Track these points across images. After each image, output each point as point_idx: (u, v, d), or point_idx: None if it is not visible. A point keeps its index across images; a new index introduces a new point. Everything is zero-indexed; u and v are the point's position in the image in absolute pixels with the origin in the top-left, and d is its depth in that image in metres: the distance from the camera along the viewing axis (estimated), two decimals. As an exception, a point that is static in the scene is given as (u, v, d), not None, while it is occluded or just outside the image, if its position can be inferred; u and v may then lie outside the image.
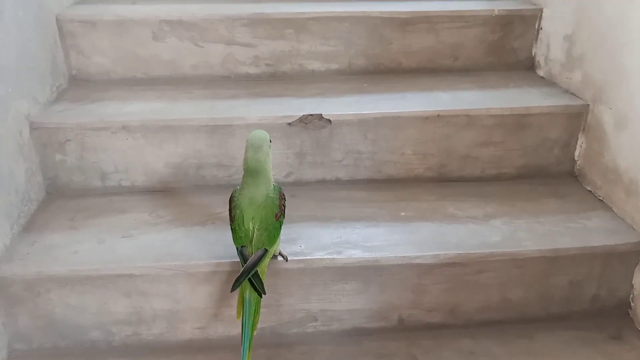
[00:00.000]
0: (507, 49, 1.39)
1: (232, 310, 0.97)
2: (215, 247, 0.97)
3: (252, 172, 0.87)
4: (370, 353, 0.98)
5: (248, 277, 0.83)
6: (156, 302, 0.95)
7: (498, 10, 1.35)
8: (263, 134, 0.88)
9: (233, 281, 0.92)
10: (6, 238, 0.95)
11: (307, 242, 0.99)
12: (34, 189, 1.08)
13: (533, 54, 1.39)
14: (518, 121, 1.18)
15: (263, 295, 0.84)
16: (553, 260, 1.00)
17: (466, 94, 1.25)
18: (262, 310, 0.91)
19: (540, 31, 1.36)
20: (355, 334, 1.01)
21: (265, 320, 0.98)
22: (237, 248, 0.87)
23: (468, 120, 1.16)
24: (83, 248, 0.97)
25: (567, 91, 1.25)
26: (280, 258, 0.94)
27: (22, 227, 1.02)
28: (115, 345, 0.97)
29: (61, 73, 1.27)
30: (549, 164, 1.22)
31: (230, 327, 0.99)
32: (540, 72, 1.37)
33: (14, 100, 1.00)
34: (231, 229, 0.88)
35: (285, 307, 0.98)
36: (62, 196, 1.14)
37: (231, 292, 0.84)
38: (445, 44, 1.38)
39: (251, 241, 0.85)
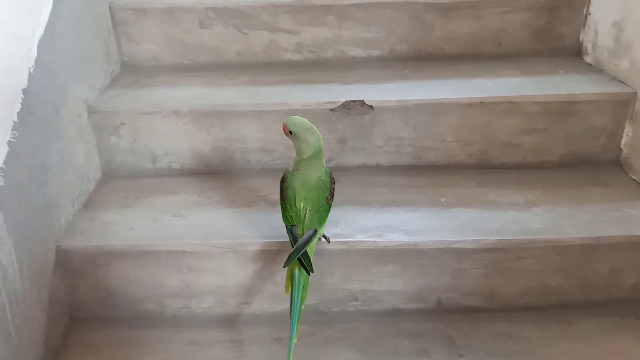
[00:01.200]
0: (553, 34, 1.37)
1: (276, 287, 1.01)
2: (262, 227, 1.02)
3: (317, 152, 0.90)
4: (408, 333, 1.01)
5: (299, 255, 0.87)
6: (205, 277, 1.00)
7: (544, -6, 1.34)
8: (301, 118, 0.91)
9: (278, 259, 0.98)
10: (68, 214, 1.02)
11: (348, 225, 1.02)
12: (92, 169, 1.15)
13: (580, 40, 1.37)
14: (563, 108, 1.17)
15: (311, 273, 0.88)
16: (595, 248, 1.00)
17: (509, 80, 1.25)
18: (304, 289, 0.94)
19: (589, 17, 1.34)
20: (394, 314, 1.04)
21: (308, 298, 1.01)
22: (286, 227, 0.91)
23: (511, 107, 1.16)
24: (138, 225, 1.03)
25: (614, 78, 1.23)
26: (322, 240, 0.97)
27: (82, 204, 1.08)
28: (167, 316, 1.03)
29: (114, 60, 1.33)
30: (594, 152, 1.21)
31: (274, 303, 1.03)
32: (588, 59, 1.35)
33: (73, 86, 1.06)
34: (282, 207, 0.92)
35: (327, 286, 1.02)
36: (116, 177, 1.20)
37: (284, 267, 0.88)
38: (488, 29, 1.37)
39: (301, 221, 0.89)
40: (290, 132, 0.90)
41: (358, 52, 1.39)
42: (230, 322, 1.03)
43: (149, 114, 1.16)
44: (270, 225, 1.02)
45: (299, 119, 0.91)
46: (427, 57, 1.39)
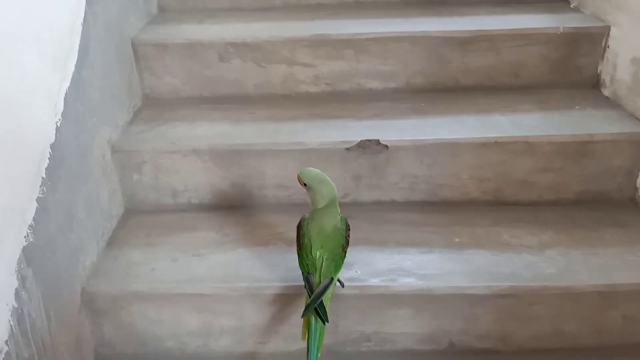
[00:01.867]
0: (571, 67, 1.37)
1: (292, 328, 1.04)
2: (278, 269, 1.04)
3: (331, 202, 0.93)
4: (420, 375, 1.03)
5: (316, 304, 0.89)
6: (223, 318, 1.04)
7: (563, 28, 1.33)
8: (315, 170, 0.94)
9: (295, 302, 1.01)
10: (94, 255, 1.06)
11: (362, 267, 1.04)
12: (115, 206, 1.19)
13: (598, 71, 1.37)
14: (580, 148, 1.17)
15: (326, 322, 0.90)
16: (608, 295, 1.01)
17: (526, 117, 1.25)
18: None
19: (607, 49, 1.33)
20: (406, 355, 1.06)
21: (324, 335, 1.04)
22: (302, 273, 0.93)
23: (527, 147, 1.17)
24: (159, 266, 1.06)
25: (632, 115, 1.23)
26: (337, 284, 0.99)
27: (105, 242, 1.13)
28: (187, 353, 1.07)
29: (136, 93, 1.37)
30: (610, 190, 1.21)
31: (290, 343, 1.06)
32: (606, 92, 1.34)
33: (98, 130, 1.10)
34: (298, 254, 0.95)
35: (340, 328, 1.05)
36: (138, 211, 1.24)
37: (302, 317, 0.91)
38: (506, 62, 1.37)
39: (317, 269, 0.92)
40: (305, 184, 0.93)
41: (375, 85, 1.40)
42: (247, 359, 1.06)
43: (170, 153, 1.19)
44: (286, 267, 1.04)
45: (313, 172, 0.93)
46: (444, 89, 1.40)
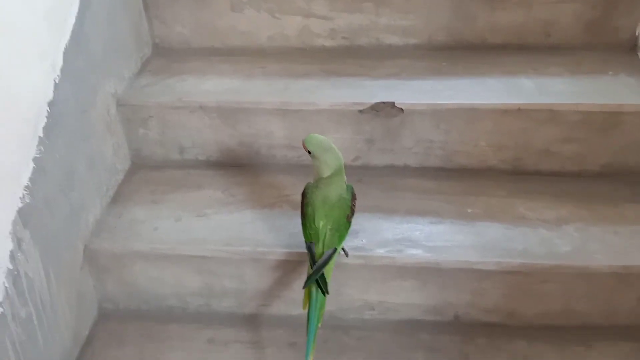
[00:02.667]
0: (608, 27, 1.27)
1: (293, 293, 1.03)
2: (282, 234, 1.02)
3: (337, 171, 0.90)
4: (423, 345, 1.02)
5: (318, 276, 0.87)
6: (225, 281, 1.03)
7: (601, -16, 1.23)
8: (321, 137, 0.90)
9: (297, 269, 0.99)
10: (97, 212, 1.05)
11: (369, 236, 1.01)
12: (120, 160, 1.17)
13: (637, 34, 1.26)
14: (608, 119, 1.10)
15: (326, 294, 0.88)
16: (624, 277, 0.97)
17: (553, 81, 1.17)
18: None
19: (648, 10, 1.23)
20: (410, 325, 1.05)
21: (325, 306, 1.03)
22: (305, 242, 0.91)
23: (551, 115, 1.10)
24: (162, 225, 1.05)
25: (669, 83, 1.14)
26: (341, 252, 0.97)
27: (110, 198, 1.11)
28: (189, 312, 1.07)
29: (145, 42, 1.32)
30: (636, 164, 1.14)
31: (291, 307, 1.05)
32: (642, 56, 1.25)
33: (101, 84, 1.07)
34: (301, 223, 0.92)
35: (344, 296, 1.03)
36: (145, 166, 1.22)
37: (303, 288, 0.89)
38: (537, 19, 1.27)
39: (320, 239, 0.89)
40: (309, 152, 0.88)
41: (394, 40, 1.33)
42: (248, 321, 1.06)
43: (177, 109, 1.16)
44: (290, 232, 1.02)
45: (318, 139, 0.89)
46: (468, 47, 1.31)
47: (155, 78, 1.24)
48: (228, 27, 1.33)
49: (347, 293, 1.03)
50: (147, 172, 1.20)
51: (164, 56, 1.33)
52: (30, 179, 0.82)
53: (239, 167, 1.21)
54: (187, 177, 1.18)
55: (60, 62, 0.89)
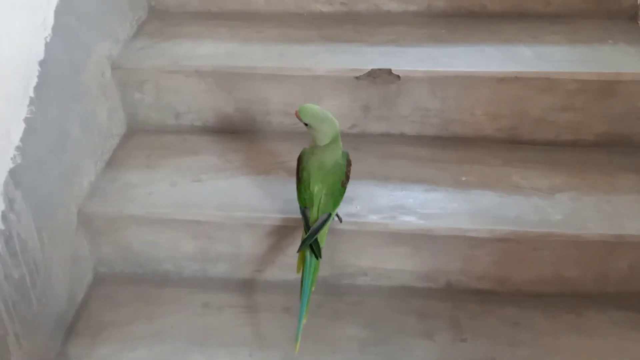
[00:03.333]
0: (609, -5, 1.25)
1: (288, 258, 1.04)
2: (277, 200, 1.02)
3: (334, 139, 0.89)
4: (414, 311, 1.03)
5: (313, 239, 0.87)
6: (220, 246, 1.04)
7: (603, -51, 1.20)
8: (315, 107, 0.89)
9: (291, 235, 0.99)
10: (91, 175, 1.05)
11: (363, 203, 1.02)
12: (116, 124, 1.16)
13: (638, 2, 1.24)
14: (606, 87, 1.09)
15: (319, 259, 0.89)
16: (616, 246, 0.97)
17: (552, 49, 1.16)
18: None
19: (652, -23, 1.21)
20: (402, 291, 1.06)
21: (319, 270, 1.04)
22: (300, 207, 0.91)
23: (549, 83, 1.09)
24: (157, 189, 1.05)
25: (669, 52, 1.13)
26: (335, 218, 0.97)
27: (105, 162, 1.11)
28: (184, 276, 1.08)
29: (141, 5, 1.30)
30: (633, 134, 1.14)
31: (286, 272, 1.06)
32: (643, 25, 1.23)
33: (95, 45, 1.05)
34: (297, 187, 0.92)
35: (337, 261, 1.04)
36: (141, 131, 1.21)
37: (297, 252, 0.90)
38: (537, -14, 1.26)
39: (314, 204, 0.89)
40: (305, 124, 0.88)
41: (393, 6, 1.31)
42: (243, 286, 1.07)
43: (172, 73, 1.15)
44: (285, 198, 1.02)
45: (313, 109, 0.88)
46: (467, 15, 1.30)
47: (150, 41, 1.22)
48: (225, -10, 1.31)
49: (340, 259, 1.04)
50: (143, 136, 1.20)
51: (160, 19, 1.31)
52: (22, 139, 0.81)
53: (235, 133, 1.20)
54: (182, 143, 1.18)
55: (51, 20, 0.88)
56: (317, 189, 0.90)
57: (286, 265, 1.04)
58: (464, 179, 1.07)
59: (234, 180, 1.07)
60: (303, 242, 0.88)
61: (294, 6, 1.32)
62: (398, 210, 1.00)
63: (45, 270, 0.89)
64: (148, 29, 1.27)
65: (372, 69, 1.10)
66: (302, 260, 0.91)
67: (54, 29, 0.88)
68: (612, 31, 1.22)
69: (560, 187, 1.05)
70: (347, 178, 0.92)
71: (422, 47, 1.18)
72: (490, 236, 0.97)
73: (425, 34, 1.23)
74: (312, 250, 0.89)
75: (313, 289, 0.91)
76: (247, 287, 1.07)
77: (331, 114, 0.90)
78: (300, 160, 0.92)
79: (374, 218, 0.99)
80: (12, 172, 0.79)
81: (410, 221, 0.98)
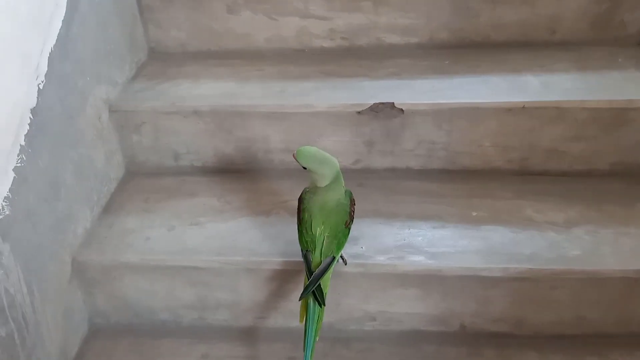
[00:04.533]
0: (615, 22, 1.22)
1: (291, 304, 0.99)
2: (278, 242, 0.98)
3: (335, 178, 0.86)
4: (427, 357, 0.97)
5: (315, 285, 0.83)
6: (219, 292, 0.99)
7: (607, -23, 1.18)
8: (312, 149, 0.86)
9: (293, 279, 0.95)
10: (86, 222, 1.01)
11: (368, 242, 0.97)
12: (114, 168, 1.13)
13: (646, 27, 1.21)
14: (617, 115, 1.05)
15: (323, 306, 0.84)
16: (638, 282, 0.91)
17: (559, 78, 1.13)
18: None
19: (657, 2, 1.18)
20: (413, 336, 1.00)
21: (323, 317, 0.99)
22: (301, 251, 0.87)
23: (558, 113, 1.05)
24: (154, 235, 1.01)
25: (680, 77, 1.09)
26: (340, 261, 0.93)
27: (102, 207, 1.08)
28: (183, 326, 1.04)
29: (140, 47, 1.29)
30: (650, 162, 1.09)
31: (289, 319, 1.01)
32: (653, 51, 1.20)
33: (92, 89, 1.03)
34: (298, 229, 0.88)
35: (343, 306, 0.99)
36: (139, 174, 1.19)
37: (299, 300, 0.85)
38: (541, 15, 1.23)
39: (317, 247, 0.85)
40: (304, 168, 0.84)
41: (395, 39, 1.29)
42: (244, 335, 1.02)
43: (170, 114, 1.12)
44: (286, 240, 0.98)
45: (310, 151, 0.85)
46: (472, 45, 1.27)
47: (149, 83, 1.21)
48: (224, 30, 1.30)
49: (346, 303, 0.98)
50: (141, 179, 1.17)
51: (160, 60, 1.30)
52: (11, 190, 0.78)
53: (235, 173, 1.17)
54: (181, 185, 1.15)
55: (44, 67, 0.86)
56: (320, 230, 0.85)
57: (289, 311, 1.00)
58: (474, 214, 1.03)
59: (233, 223, 1.04)
60: (305, 289, 0.84)
61: (294, 42, 1.30)
62: (406, 250, 0.95)
63: (36, 326, 0.85)
64: (147, 70, 1.26)
65: (374, 103, 1.07)
66: (305, 308, 0.86)
67: (47, 75, 0.87)
68: (620, 57, 1.18)
69: (576, 220, 1.00)
70: (351, 218, 0.88)
71: (426, 79, 1.15)
72: (505, 275, 0.92)
73: (428, 66, 1.21)
74: (315, 297, 0.84)
75: (317, 338, 0.85)
76: (248, 335, 1.02)
77: (330, 154, 0.86)
78: (301, 200, 0.89)
79: (380, 259, 0.94)
80: (-1, 225, 0.76)
81: (419, 261, 0.93)
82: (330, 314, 0.98)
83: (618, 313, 0.95)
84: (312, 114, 1.09)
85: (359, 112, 1.08)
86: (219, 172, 1.18)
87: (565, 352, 0.96)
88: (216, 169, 1.18)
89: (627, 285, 0.92)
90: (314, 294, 0.84)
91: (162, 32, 1.31)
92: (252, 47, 1.32)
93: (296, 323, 0.98)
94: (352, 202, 0.89)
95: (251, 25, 1.29)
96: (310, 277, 0.84)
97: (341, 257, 0.93)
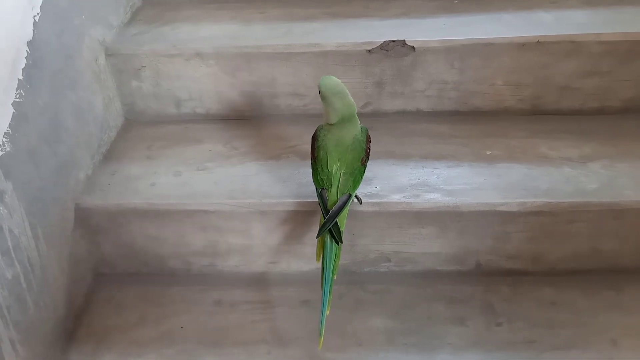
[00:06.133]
0: (627, -45, 1.18)
1: (304, 247, 0.97)
2: (289, 184, 0.95)
3: (348, 118, 0.83)
4: (443, 296, 0.95)
5: (332, 223, 0.80)
6: (230, 237, 0.96)
7: None
8: (336, 80, 0.83)
9: (307, 221, 0.92)
10: (88, 169, 0.97)
11: (383, 182, 0.95)
12: (113, 116, 1.09)
13: (658, -39, 1.17)
14: (632, 48, 1.02)
15: (340, 243, 0.82)
16: (657, 212, 0.90)
17: (573, 13, 1.09)
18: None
19: None
20: (429, 276, 0.98)
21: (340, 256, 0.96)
22: (316, 189, 0.84)
23: (572, 47, 1.02)
24: (160, 180, 0.98)
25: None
26: (355, 200, 0.90)
27: (102, 155, 1.04)
28: (193, 273, 1.01)
29: (134, -9, 1.22)
30: (663, 96, 1.07)
31: (303, 263, 0.99)
32: (667, -16, 1.16)
33: (87, 28, 0.98)
34: (312, 167, 0.86)
35: (358, 247, 0.97)
36: (139, 122, 1.14)
37: (316, 238, 0.83)
38: (552, -50, 1.18)
39: (333, 185, 0.83)
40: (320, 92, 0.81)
41: (401, -21, 1.23)
42: (257, 280, 1.00)
43: (171, 57, 1.07)
44: (298, 182, 0.95)
45: (332, 81, 0.82)
46: (480, -17, 1.22)
47: (147, 27, 1.15)
48: (222, -29, 1.24)
49: (361, 244, 0.96)
50: (142, 128, 1.13)
51: (156, 5, 1.24)
52: (10, 125, 0.74)
53: (241, 119, 1.13)
54: (185, 132, 1.11)
55: (39, -2, 0.81)
56: (336, 167, 0.82)
57: (303, 254, 0.97)
58: (488, 152, 1.00)
59: (241, 167, 1.00)
60: (322, 226, 0.81)
61: (297, -16, 1.24)
62: (421, 188, 0.93)
63: (42, 271, 0.82)
64: (143, 15, 1.20)
65: (384, 41, 1.03)
66: (322, 247, 0.84)
67: (42, 8, 0.81)
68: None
69: (592, 155, 0.98)
70: (367, 155, 0.85)
71: (436, 18, 1.11)
72: (522, 209, 0.90)
73: (438, 6, 1.17)
74: (332, 235, 0.82)
75: (335, 277, 0.83)
76: (261, 280, 1.00)
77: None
78: (315, 137, 0.85)
79: (396, 197, 0.91)
80: (0, 161, 0.72)
81: (435, 198, 0.91)
82: (344, 256, 0.96)
83: (635, 245, 0.94)
84: (320, 53, 1.05)
85: (369, 51, 1.04)
86: (223, 119, 1.14)
87: (582, 287, 0.95)
88: (220, 115, 1.14)
89: (646, 216, 0.90)
90: (331, 232, 0.81)
91: (157, -25, 1.25)
92: (252, -10, 1.26)
93: (309, 267, 0.97)
94: (368, 139, 0.86)
95: (251, -34, 1.23)
96: (327, 216, 0.81)
97: (356, 196, 0.90)
